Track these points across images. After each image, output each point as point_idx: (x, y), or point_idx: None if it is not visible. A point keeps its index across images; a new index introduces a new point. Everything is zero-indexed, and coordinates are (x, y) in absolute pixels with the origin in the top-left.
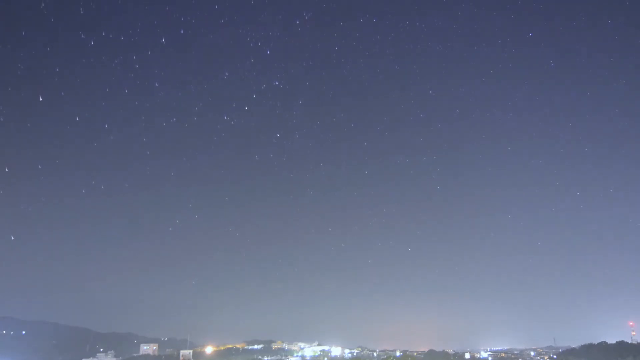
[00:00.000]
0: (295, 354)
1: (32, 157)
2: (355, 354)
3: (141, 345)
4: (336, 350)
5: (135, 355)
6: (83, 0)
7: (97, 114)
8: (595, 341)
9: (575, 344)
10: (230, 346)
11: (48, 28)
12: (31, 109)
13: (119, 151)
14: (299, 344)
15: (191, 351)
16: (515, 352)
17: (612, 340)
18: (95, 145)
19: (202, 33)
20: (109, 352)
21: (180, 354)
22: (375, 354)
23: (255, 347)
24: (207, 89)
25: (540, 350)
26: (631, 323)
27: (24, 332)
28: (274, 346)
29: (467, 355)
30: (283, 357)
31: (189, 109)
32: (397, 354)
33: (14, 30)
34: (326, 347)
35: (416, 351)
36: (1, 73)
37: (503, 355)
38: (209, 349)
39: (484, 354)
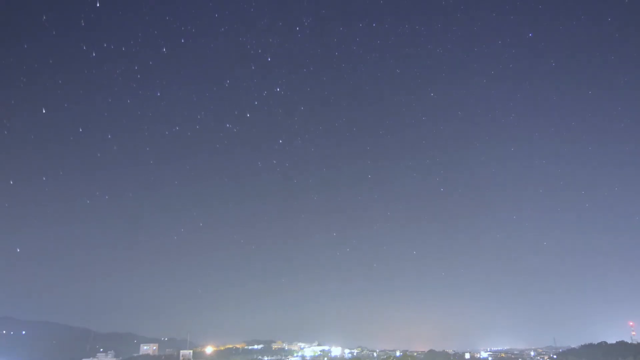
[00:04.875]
0: (295, 354)
1: (36, 169)
2: (355, 354)
3: (141, 345)
4: (336, 350)
5: (135, 355)
6: (84, 12)
7: (100, 125)
8: (595, 341)
9: (575, 344)
10: (230, 346)
11: (50, 40)
12: (34, 121)
13: (123, 161)
14: (299, 344)
15: (191, 351)
16: (515, 352)
17: (612, 340)
18: (99, 155)
19: (202, 42)
20: (109, 352)
21: (180, 354)
22: (375, 354)
23: (255, 347)
24: (208, 97)
25: (540, 350)
26: (631, 323)
27: (24, 332)
28: (274, 346)
29: (467, 355)
30: (283, 357)
31: (191, 118)
32: (397, 354)
33: (16, 43)
34: (326, 347)
35: (416, 351)
36: (4, 86)
37: (503, 355)
38: (209, 349)
39: (484, 354)
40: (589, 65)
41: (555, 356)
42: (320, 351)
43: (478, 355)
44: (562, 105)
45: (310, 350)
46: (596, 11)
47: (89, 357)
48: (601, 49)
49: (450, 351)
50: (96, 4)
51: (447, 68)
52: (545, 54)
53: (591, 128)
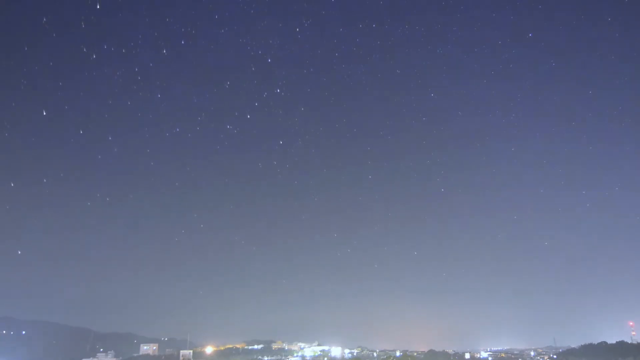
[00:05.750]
0: (295, 354)
1: (37, 171)
2: (355, 354)
3: (141, 345)
4: (336, 350)
5: (135, 355)
6: (84, 14)
7: (100, 127)
8: (595, 341)
9: (575, 344)
10: (230, 346)
11: (50, 43)
12: (35, 123)
13: (123, 163)
14: (299, 344)
15: (191, 351)
16: (515, 352)
17: (612, 340)
18: (100, 157)
19: (202, 43)
20: (109, 352)
21: (180, 354)
22: (375, 354)
23: (255, 347)
24: (209, 98)
25: (540, 350)
26: (631, 323)
27: (24, 332)
28: (274, 346)
29: (467, 355)
30: (283, 357)
31: (192, 119)
32: (397, 354)
33: (16, 46)
34: (326, 347)
35: (416, 351)
36: (5, 88)
37: (503, 355)
38: (209, 349)
39: (484, 354)
40: (589, 65)
41: (555, 356)
42: (320, 351)
43: (478, 355)
44: (562, 105)
45: (310, 350)
46: (596, 11)
47: (89, 357)
48: (601, 49)
49: (450, 351)
50: (96, 6)
51: (447, 68)
52: (545, 54)
53: (591, 128)
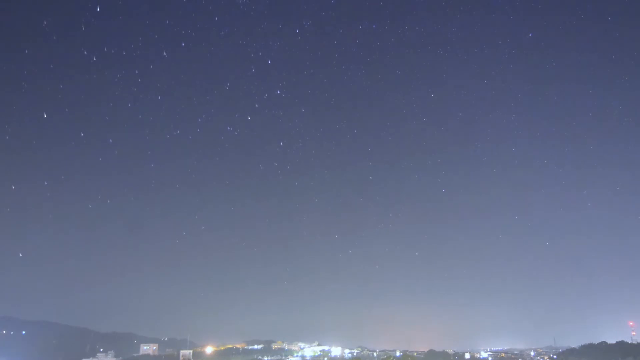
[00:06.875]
0: (295, 354)
1: (38, 173)
2: (355, 354)
3: (141, 345)
4: (336, 350)
5: (135, 355)
6: (84, 16)
7: (101, 129)
8: (595, 341)
9: (575, 344)
10: (230, 346)
11: (50, 46)
12: (36, 125)
13: (124, 165)
14: (299, 344)
15: (191, 351)
16: (515, 352)
17: (612, 340)
18: (100, 159)
19: (203, 45)
20: (109, 352)
21: (180, 354)
22: (375, 354)
23: (255, 347)
24: (209, 100)
25: (540, 350)
26: (631, 323)
27: (24, 332)
28: (274, 346)
29: (467, 355)
30: (283, 357)
31: (192, 121)
32: (397, 354)
33: (17, 48)
34: (326, 347)
35: (416, 351)
36: (6, 91)
37: (503, 355)
38: (209, 349)
39: (484, 354)
40: (589, 65)
41: (555, 356)
42: (320, 351)
43: (478, 355)
44: (562, 105)
45: (310, 350)
46: (596, 11)
47: (89, 357)
48: (601, 48)
49: (450, 351)
50: (96, 8)
51: (447, 68)
52: (545, 54)
53: (592, 128)
